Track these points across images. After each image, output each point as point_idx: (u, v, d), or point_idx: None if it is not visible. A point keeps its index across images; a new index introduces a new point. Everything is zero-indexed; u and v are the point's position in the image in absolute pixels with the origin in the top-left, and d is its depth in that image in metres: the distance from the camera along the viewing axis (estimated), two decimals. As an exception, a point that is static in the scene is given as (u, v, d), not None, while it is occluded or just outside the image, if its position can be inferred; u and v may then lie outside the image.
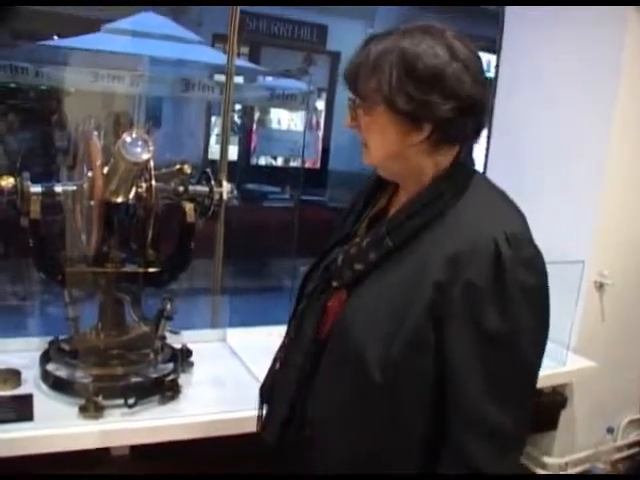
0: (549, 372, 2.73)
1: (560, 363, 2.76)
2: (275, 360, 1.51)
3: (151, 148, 1.72)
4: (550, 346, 2.71)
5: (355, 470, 1.26)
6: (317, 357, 1.32)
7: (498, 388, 1.15)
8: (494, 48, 3.45)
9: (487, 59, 4.75)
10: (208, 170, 2.10)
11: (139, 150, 1.69)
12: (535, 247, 1.22)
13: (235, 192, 2.15)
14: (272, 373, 1.52)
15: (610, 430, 3.12)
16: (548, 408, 3.00)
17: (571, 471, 3.12)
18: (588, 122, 2.90)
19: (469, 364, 1.15)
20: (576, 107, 2.94)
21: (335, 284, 1.33)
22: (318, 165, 12.92)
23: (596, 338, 3.01)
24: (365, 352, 1.20)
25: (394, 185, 1.38)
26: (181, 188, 2.02)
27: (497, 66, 3.42)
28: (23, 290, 2.77)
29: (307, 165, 12.67)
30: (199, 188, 2.05)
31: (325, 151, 12.70)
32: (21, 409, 1.86)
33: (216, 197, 2.04)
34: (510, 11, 3.32)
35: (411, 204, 1.25)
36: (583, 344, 2.94)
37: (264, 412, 1.50)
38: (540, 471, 3.09)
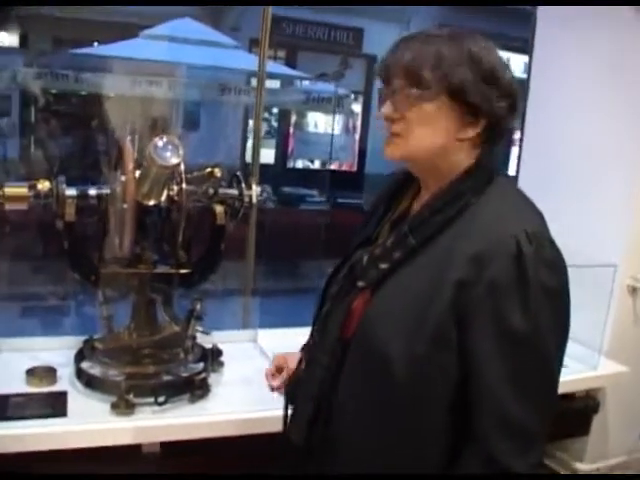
0: (580, 376, 2.72)
1: (592, 367, 2.74)
2: (301, 360, 1.54)
3: (181, 152, 1.75)
4: (581, 350, 2.74)
5: (379, 465, 1.29)
6: (342, 356, 1.35)
7: (520, 386, 1.18)
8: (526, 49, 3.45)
9: (522, 60, 4.74)
10: (239, 173, 2.14)
11: (169, 154, 1.73)
12: (556, 247, 1.24)
13: (265, 194, 2.19)
14: (298, 373, 1.55)
15: (643, 437, 3.07)
16: (580, 413, 2.96)
17: (603, 478, 3.10)
18: (621, 124, 2.86)
19: (492, 362, 1.18)
20: (609, 109, 2.91)
21: (361, 284, 1.35)
22: (355, 168, 12.94)
23: (629, 343, 2.97)
24: (389, 350, 1.23)
25: (415, 189, 1.41)
26: (211, 191, 2.06)
27: (529, 67, 3.40)
28: (61, 290, 2.85)
29: (344, 168, 12.73)
30: (229, 191, 2.08)
31: (362, 154, 12.72)
32: (55, 405, 1.94)
33: (246, 200, 2.08)
34: (542, 12, 3.30)
35: (433, 201, 1.29)
36: (616, 349, 2.91)
37: (289, 412, 1.53)
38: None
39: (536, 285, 1.16)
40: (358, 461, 1.31)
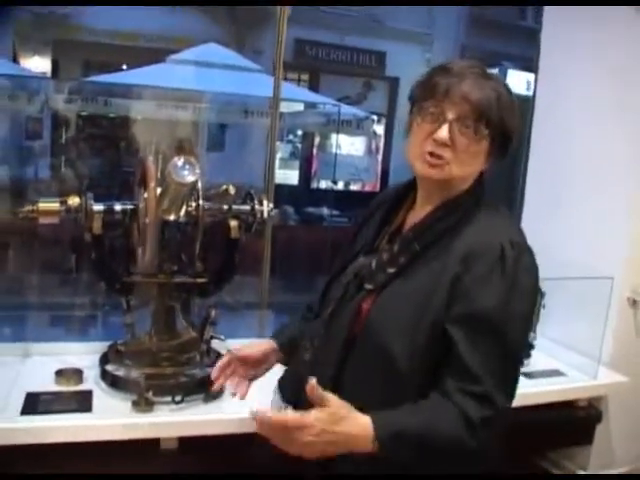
0: (581, 384, 2.87)
1: (592, 376, 2.87)
2: (298, 360, 1.68)
3: (197, 171, 1.92)
4: (582, 360, 2.85)
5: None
6: (347, 354, 1.51)
7: (489, 361, 1.35)
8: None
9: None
10: (252, 191, 2.31)
11: (186, 172, 1.90)
12: (532, 255, 1.44)
13: (276, 211, 2.36)
14: (293, 371, 1.69)
15: (646, 447, 3.16)
16: (584, 422, 3.06)
17: (608, 489, 3.19)
18: (623, 140, 2.99)
19: (464, 338, 1.35)
20: (610, 127, 3.04)
21: (369, 287, 1.51)
22: (378, 188, 13.06)
23: (631, 354, 3.07)
24: (392, 346, 1.40)
25: (409, 204, 1.59)
26: (226, 207, 2.23)
27: (535, 83, 3.56)
28: (86, 301, 3.04)
29: (367, 188, 12.86)
30: (242, 207, 2.25)
31: (384, 175, 12.84)
32: (81, 402, 2.12)
33: (258, 215, 2.24)
34: (546, 32, 3.46)
35: (437, 212, 1.47)
36: (618, 360, 3.02)
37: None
38: (576, 485, 3.17)
39: (513, 283, 1.36)
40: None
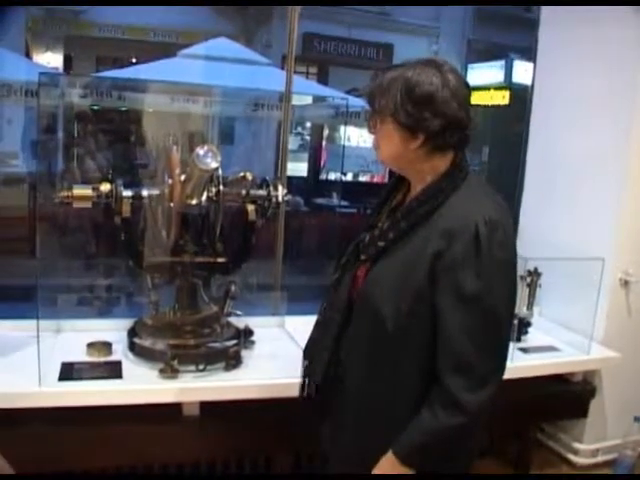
0: (574, 359, 3.05)
1: (584, 352, 3.05)
2: (317, 324, 1.89)
3: (219, 158, 2.12)
4: (576, 337, 3.03)
5: (372, 400, 1.68)
6: (348, 314, 1.73)
7: (473, 336, 1.53)
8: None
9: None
10: (267, 177, 2.50)
11: (209, 160, 2.10)
12: (507, 231, 1.59)
13: (290, 196, 2.55)
14: (312, 337, 1.90)
15: (638, 419, 3.29)
16: (579, 397, 3.26)
17: (601, 458, 3.36)
18: (612, 134, 3.17)
19: (451, 316, 1.54)
20: (602, 119, 3.21)
21: (363, 257, 1.73)
22: (386, 180, 13.14)
23: (623, 332, 3.24)
24: (381, 308, 1.61)
25: (407, 186, 1.78)
26: (244, 192, 2.42)
27: (533, 74, 3.73)
28: (111, 282, 3.24)
29: (375, 180, 13.00)
30: (259, 192, 2.44)
31: (392, 167, 12.88)
32: (112, 370, 2.33)
33: (273, 199, 2.43)
34: (544, 24, 3.63)
35: (419, 196, 1.65)
36: (611, 338, 3.20)
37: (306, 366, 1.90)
38: (572, 456, 3.35)
39: (488, 258, 1.52)
40: (359, 390, 1.69)
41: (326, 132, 13.52)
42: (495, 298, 1.54)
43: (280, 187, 2.44)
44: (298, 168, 12.60)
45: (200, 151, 2.11)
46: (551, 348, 3.11)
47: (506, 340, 1.62)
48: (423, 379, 1.60)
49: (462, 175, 1.65)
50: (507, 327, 1.62)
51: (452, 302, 1.53)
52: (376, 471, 1.63)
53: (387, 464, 1.61)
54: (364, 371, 1.67)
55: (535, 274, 3.11)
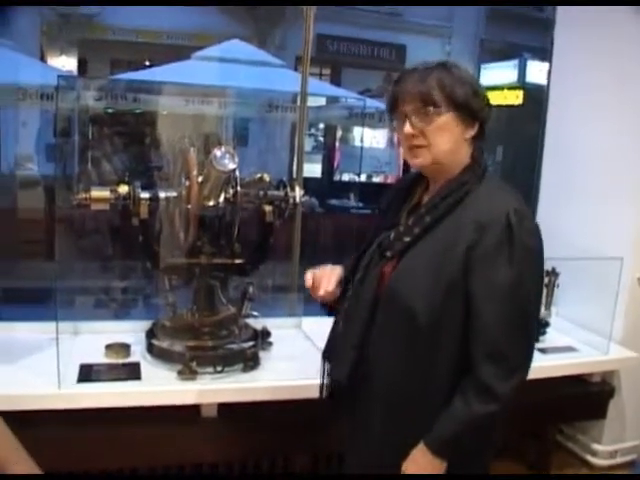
0: (593, 359, 3.03)
1: (603, 352, 3.03)
2: (336, 323, 1.88)
3: (236, 160, 2.13)
4: (594, 337, 3.01)
5: (403, 396, 1.67)
6: (375, 311, 1.72)
7: (506, 324, 1.56)
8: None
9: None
10: (284, 179, 2.50)
11: (227, 161, 2.10)
12: (534, 220, 1.66)
13: (307, 197, 2.55)
14: (333, 338, 1.89)
15: (657, 420, 3.29)
16: (597, 397, 3.23)
17: (620, 459, 3.34)
18: (629, 134, 3.14)
19: (486, 305, 1.56)
20: (619, 119, 3.19)
21: (388, 254, 1.73)
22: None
23: (642, 332, 3.22)
24: (412, 303, 1.61)
25: (424, 186, 1.80)
26: (261, 193, 2.42)
27: (549, 73, 3.72)
28: (127, 284, 3.25)
29: (389, 180, 12.99)
30: (276, 193, 2.44)
31: (406, 167, 12.91)
32: (131, 372, 2.33)
33: (290, 200, 2.43)
34: (560, 19, 3.61)
35: (443, 189, 1.68)
36: (630, 338, 3.17)
37: (326, 369, 1.89)
38: (590, 458, 3.33)
39: (520, 246, 1.55)
40: (389, 387, 1.69)
41: (339, 133, 13.52)
42: (527, 288, 1.58)
43: (297, 188, 2.43)
44: (312, 169, 12.61)
45: (217, 152, 2.12)
46: (569, 348, 3.09)
47: (533, 330, 1.69)
48: (455, 371, 1.62)
49: (482, 169, 1.70)
50: (535, 317, 1.70)
51: (486, 292, 1.56)
52: (408, 463, 1.64)
53: (419, 455, 1.63)
54: (395, 367, 1.68)
55: (553, 274, 3.10)
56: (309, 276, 1.84)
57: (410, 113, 1.65)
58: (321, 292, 1.81)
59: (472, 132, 1.68)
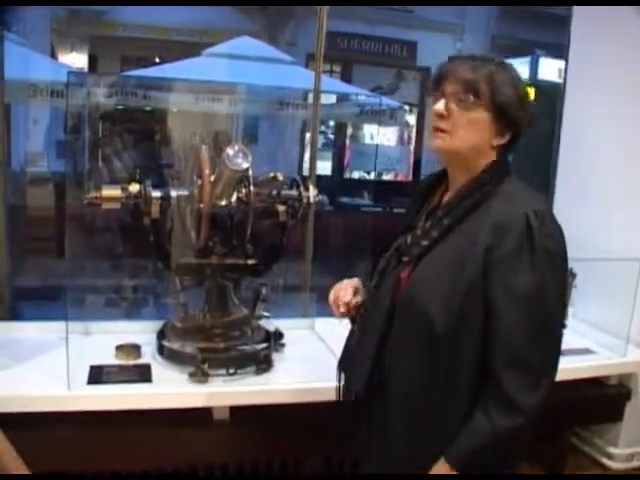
0: (610, 362, 2.98)
1: (620, 355, 2.98)
2: (352, 332, 1.83)
3: (250, 159, 2.08)
4: (611, 339, 2.95)
5: (422, 404, 1.60)
6: (391, 317, 1.66)
7: (528, 331, 1.48)
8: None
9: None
10: (298, 178, 2.46)
11: (240, 160, 2.06)
12: (555, 221, 1.56)
13: (320, 197, 2.51)
14: (348, 347, 1.84)
15: (675, 423, 3.23)
16: (614, 400, 3.18)
17: (637, 463, 3.28)
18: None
19: (506, 311, 1.49)
20: (636, 118, 3.13)
21: (405, 259, 1.67)
22: (410, 178, 13.09)
23: (661, 334, 3.16)
24: (429, 309, 1.54)
25: (443, 188, 1.74)
26: (275, 192, 2.38)
27: (565, 72, 3.65)
28: (138, 284, 3.22)
29: (399, 178, 12.94)
30: (290, 192, 2.40)
31: (416, 165, 12.88)
32: (142, 374, 2.29)
33: (304, 200, 2.39)
34: (577, 17, 3.55)
35: (462, 190, 1.62)
36: (648, 339, 3.11)
37: (342, 381, 1.83)
38: (606, 461, 3.27)
39: (541, 250, 1.48)
40: (407, 396, 1.63)
41: (349, 130, 13.47)
42: (549, 293, 1.50)
43: (311, 187, 2.39)
44: (322, 167, 12.55)
45: (230, 151, 2.08)
46: (586, 351, 3.04)
47: (559, 335, 1.58)
48: (475, 377, 1.55)
49: (504, 172, 1.63)
50: (560, 322, 1.60)
51: (507, 296, 1.49)
52: None
53: (442, 471, 1.56)
54: (413, 376, 1.61)
55: (570, 275, 3.04)
56: (330, 295, 1.83)
57: (449, 94, 1.59)
58: (341, 309, 1.79)
59: (502, 140, 1.61)
